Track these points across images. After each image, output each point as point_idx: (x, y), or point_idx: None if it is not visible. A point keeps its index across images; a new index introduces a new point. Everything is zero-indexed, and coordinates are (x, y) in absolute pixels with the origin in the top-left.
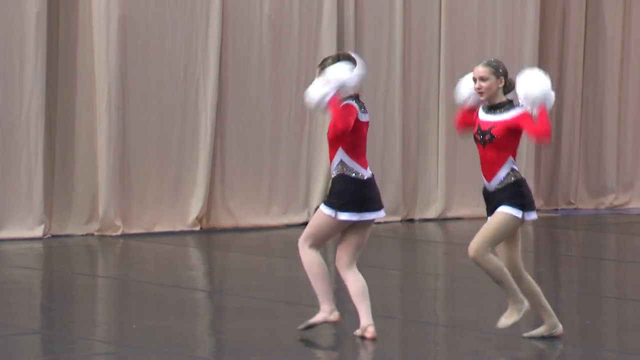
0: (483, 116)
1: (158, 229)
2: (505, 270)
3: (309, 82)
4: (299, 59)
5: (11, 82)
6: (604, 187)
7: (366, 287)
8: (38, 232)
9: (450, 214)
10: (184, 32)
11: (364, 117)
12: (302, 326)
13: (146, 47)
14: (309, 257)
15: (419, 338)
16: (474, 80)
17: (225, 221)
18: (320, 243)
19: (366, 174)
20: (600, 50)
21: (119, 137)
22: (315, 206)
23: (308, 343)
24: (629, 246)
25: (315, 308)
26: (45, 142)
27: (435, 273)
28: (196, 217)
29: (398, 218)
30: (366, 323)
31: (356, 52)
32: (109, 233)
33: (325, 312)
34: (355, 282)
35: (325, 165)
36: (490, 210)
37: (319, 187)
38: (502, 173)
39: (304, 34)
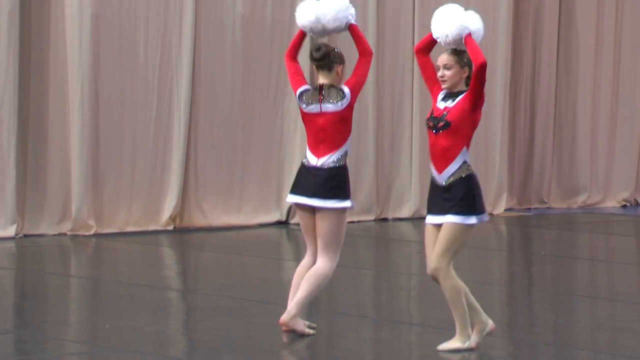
0: (439, 103)
1: (131, 228)
2: (463, 294)
3: (281, 82)
4: (271, 60)
5: None
6: (576, 186)
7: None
8: (10, 231)
9: (424, 213)
10: (158, 32)
11: (310, 109)
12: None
13: (119, 47)
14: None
15: (392, 337)
16: (438, 68)
17: (199, 221)
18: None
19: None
20: (574, 49)
21: (92, 136)
22: (287, 207)
23: (281, 342)
24: (602, 245)
25: (284, 307)
26: (17, 141)
27: (408, 272)
28: (169, 217)
29: (372, 217)
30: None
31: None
32: (81, 233)
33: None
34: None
35: (296, 163)
36: (436, 208)
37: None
38: (454, 166)
39: (277, 34)
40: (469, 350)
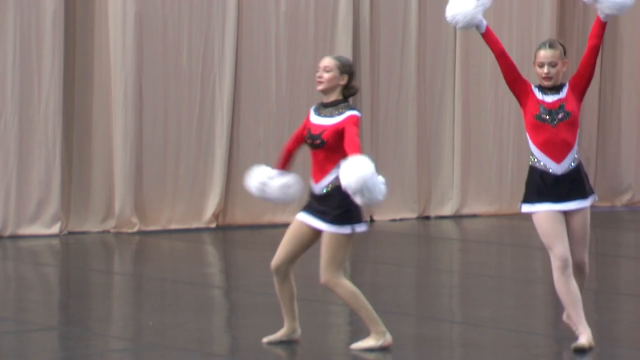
0: (314, 118)
1: (174, 226)
2: (361, 296)
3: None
4: (314, 57)
5: (29, 79)
6: (621, 185)
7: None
8: (55, 229)
9: (465, 211)
10: (201, 30)
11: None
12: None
13: (162, 45)
14: None
15: (434, 335)
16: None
17: (242, 218)
18: None
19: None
20: (619, 47)
21: (136, 134)
22: None
23: (322, 339)
24: None
25: (326, 304)
26: (62, 139)
27: (450, 270)
28: (212, 214)
29: (414, 215)
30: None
31: (371, 51)
32: (125, 230)
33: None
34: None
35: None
36: (316, 213)
37: None
38: (330, 177)
39: (320, 31)
40: (383, 348)
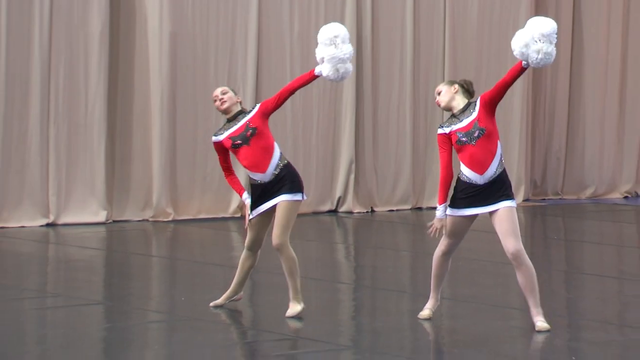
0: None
1: (204, 215)
2: (297, 264)
3: (333, 91)
4: None
5: (77, 89)
6: (585, 181)
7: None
8: (101, 217)
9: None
10: (226, 47)
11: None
12: None
13: (193, 60)
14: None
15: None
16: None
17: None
18: None
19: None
20: (585, 64)
21: (170, 137)
22: (338, 197)
23: (331, 313)
24: (608, 231)
25: (334, 283)
26: (106, 141)
27: None
28: (237, 206)
29: (408, 207)
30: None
31: (373, 65)
32: (161, 219)
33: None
34: None
35: (346, 160)
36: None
37: (341, 180)
38: (273, 163)
39: None
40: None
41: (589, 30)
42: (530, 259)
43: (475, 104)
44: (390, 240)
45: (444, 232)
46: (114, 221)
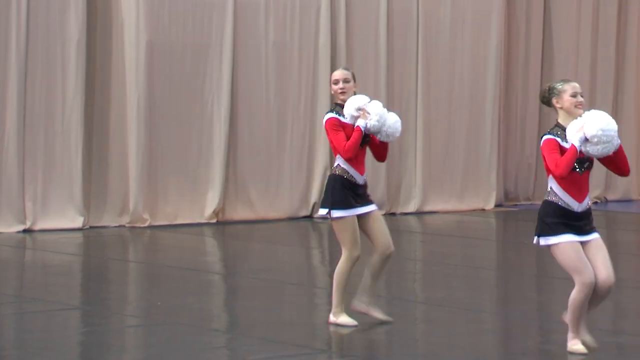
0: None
1: (180, 221)
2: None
3: (308, 98)
4: (299, 78)
5: (54, 97)
6: None
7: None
8: (78, 223)
9: (426, 209)
10: (201, 56)
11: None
12: None
13: (169, 68)
14: None
15: (401, 313)
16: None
17: (238, 214)
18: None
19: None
20: (556, 65)
21: (146, 143)
22: (313, 202)
23: (307, 317)
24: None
25: (310, 287)
26: (84, 147)
27: (413, 258)
28: (213, 211)
29: (383, 212)
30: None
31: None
32: (138, 224)
33: None
34: None
35: (322, 166)
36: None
37: (317, 186)
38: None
39: (304, 57)
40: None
41: (559, 42)
42: (502, 264)
43: None
44: (363, 245)
45: None
46: (91, 227)
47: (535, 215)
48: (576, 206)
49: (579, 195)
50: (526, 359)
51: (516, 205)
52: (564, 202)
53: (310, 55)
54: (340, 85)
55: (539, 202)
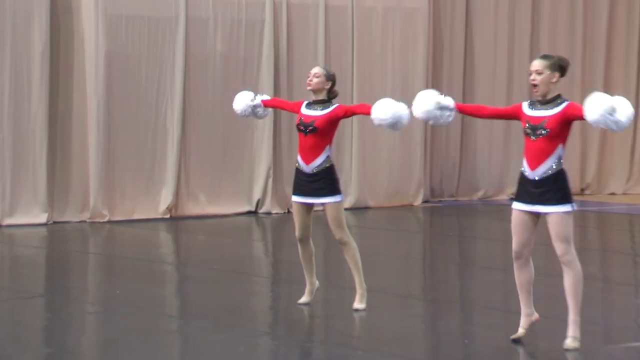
0: (304, 110)
1: (136, 216)
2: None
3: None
4: (243, 85)
5: (21, 103)
6: (477, 184)
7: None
8: (42, 219)
9: (360, 204)
10: (156, 64)
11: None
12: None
13: (126, 76)
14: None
15: (338, 299)
16: (310, 77)
17: (189, 210)
18: None
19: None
20: (476, 79)
21: (105, 145)
22: (257, 199)
23: (249, 303)
24: (495, 227)
25: (252, 276)
26: (47, 148)
27: None
28: (166, 207)
29: (322, 207)
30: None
31: (288, 81)
32: (97, 220)
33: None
34: None
35: (265, 165)
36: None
37: (260, 184)
38: (319, 159)
39: (248, 66)
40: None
41: (479, 50)
42: (429, 254)
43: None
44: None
45: None
46: (55, 222)
47: (458, 210)
48: (528, 172)
49: (532, 162)
50: (450, 337)
51: (441, 201)
52: (523, 167)
53: (254, 65)
54: (309, 78)
55: (463, 199)
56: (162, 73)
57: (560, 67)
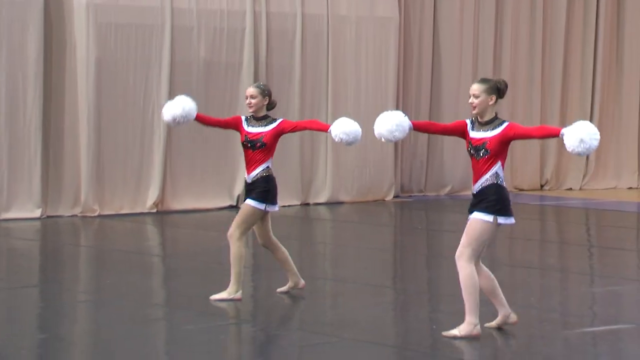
0: (248, 128)
1: (125, 211)
2: (242, 260)
3: (232, 107)
4: (224, 90)
5: (16, 106)
6: (444, 180)
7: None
8: (37, 213)
9: (334, 200)
10: (144, 70)
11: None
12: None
13: (115, 80)
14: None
15: (313, 289)
16: (246, 97)
17: (174, 205)
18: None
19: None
20: (443, 84)
21: (96, 145)
22: (237, 195)
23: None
24: (460, 220)
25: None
26: (42, 148)
27: (324, 242)
28: (153, 203)
29: (298, 202)
30: (507, 311)
31: (266, 84)
32: (88, 214)
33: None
34: (485, 278)
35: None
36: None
37: (240, 180)
38: (258, 169)
39: (229, 72)
40: (236, 300)
41: (446, 57)
42: (398, 247)
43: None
44: (280, 231)
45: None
46: (48, 216)
47: (426, 205)
48: (472, 186)
49: (475, 178)
50: (419, 324)
51: (410, 196)
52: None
53: (235, 71)
54: (247, 100)
55: (431, 194)
56: (149, 77)
57: (497, 89)
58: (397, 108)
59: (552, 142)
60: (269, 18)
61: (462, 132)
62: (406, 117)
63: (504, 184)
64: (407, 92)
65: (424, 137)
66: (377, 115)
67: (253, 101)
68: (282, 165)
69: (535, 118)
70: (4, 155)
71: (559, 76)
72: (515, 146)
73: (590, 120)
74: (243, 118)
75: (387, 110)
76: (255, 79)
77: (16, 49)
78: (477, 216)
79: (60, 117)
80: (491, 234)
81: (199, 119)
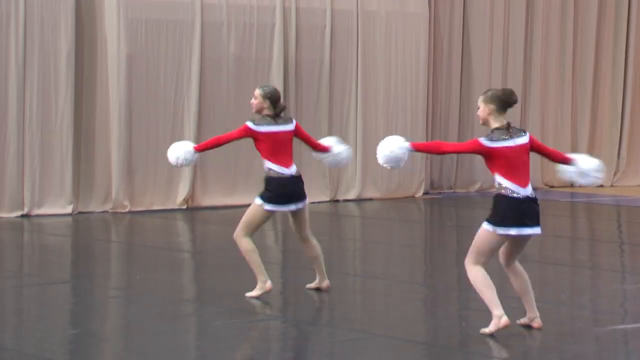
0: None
1: (155, 207)
2: (255, 252)
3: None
4: (255, 86)
5: (48, 102)
6: (473, 177)
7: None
8: (68, 209)
9: (364, 196)
10: (174, 66)
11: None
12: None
13: (146, 77)
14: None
15: (341, 285)
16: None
17: (205, 202)
18: None
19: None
20: (473, 82)
21: (126, 141)
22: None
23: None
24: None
25: (268, 263)
26: (73, 145)
27: (353, 238)
28: (183, 199)
29: (327, 199)
30: (534, 315)
31: (297, 80)
32: (119, 210)
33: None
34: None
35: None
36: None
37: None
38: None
39: (259, 67)
40: (267, 291)
41: (476, 53)
42: (428, 244)
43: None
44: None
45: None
46: (80, 212)
47: (456, 201)
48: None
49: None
50: (448, 321)
51: (440, 193)
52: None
53: (265, 67)
54: (252, 100)
55: (460, 191)
56: (179, 74)
57: (496, 98)
58: (427, 104)
59: (584, 138)
60: (299, 14)
61: (478, 152)
62: (406, 143)
63: (510, 194)
64: (436, 88)
65: (454, 133)
66: (407, 111)
67: (254, 102)
68: (311, 161)
69: (566, 117)
70: (36, 152)
71: (590, 74)
72: (546, 142)
73: (622, 119)
74: (252, 124)
75: (418, 111)
76: (285, 74)
77: (48, 44)
78: (483, 224)
79: (92, 114)
80: (494, 243)
81: (201, 149)
